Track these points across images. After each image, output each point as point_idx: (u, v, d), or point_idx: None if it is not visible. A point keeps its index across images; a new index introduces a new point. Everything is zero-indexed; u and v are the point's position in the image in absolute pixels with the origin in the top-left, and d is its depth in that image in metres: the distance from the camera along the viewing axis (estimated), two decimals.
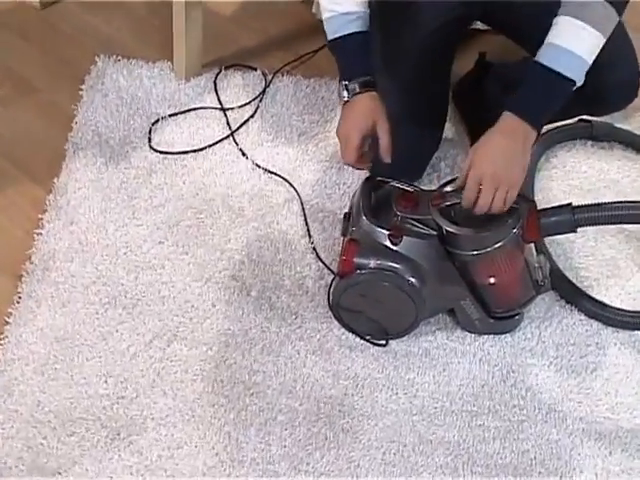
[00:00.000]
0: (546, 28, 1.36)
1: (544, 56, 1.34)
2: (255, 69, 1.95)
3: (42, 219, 1.66)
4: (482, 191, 1.35)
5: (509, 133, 1.35)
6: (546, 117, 1.40)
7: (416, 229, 1.46)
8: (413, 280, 1.46)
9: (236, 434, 1.42)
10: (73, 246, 1.62)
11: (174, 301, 1.57)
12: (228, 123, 1.85)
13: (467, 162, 1.38)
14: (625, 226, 1.69)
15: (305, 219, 1.70)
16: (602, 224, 1.46)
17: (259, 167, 1.78)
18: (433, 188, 1.70)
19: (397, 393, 1.50)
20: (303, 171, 1.78)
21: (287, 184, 1.75)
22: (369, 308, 1.50)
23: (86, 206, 1.68)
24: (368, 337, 1.55)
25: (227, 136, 1.82)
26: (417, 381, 1.51)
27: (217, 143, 1.81)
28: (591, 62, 1.34)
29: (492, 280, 1.47)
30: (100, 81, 1.89)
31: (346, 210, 1.58)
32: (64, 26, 2.02)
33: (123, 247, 1.63)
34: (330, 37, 1.49)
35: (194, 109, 1.87)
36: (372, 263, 1.46)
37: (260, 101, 1.89)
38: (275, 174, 1.77)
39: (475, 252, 1.43)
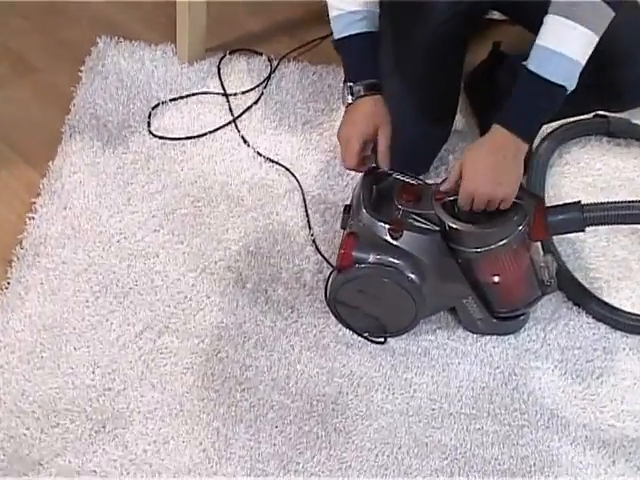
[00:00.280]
0: None
1: (532, 61, 1.29)
2: (260, 54, 1.93)
3: (35, 203, 1.66)
4: (475, 203, 1.35)
5: (499, 148, 1.32)
6: (538, 127, 1.37)
7: (418, 224, 1.44)
8: (413, 276, 1.43)
9: (225, 430, 1.41)
10: (65, 232, 1.61)
11: (167, 291, 1.56)
12: (230, 109, 1.83)
13: (456, 168, 1.37)
14: (639, 226, 1.66)
15: (306, 210, 1.68)
16: (613, 224, 1.42)
17: (260, 155, 1.76)
18: (439, 182, 1.68)
19: (394, 393, 1.47)
20: (306, 161, 1.76)
21: (289, 174, 1.73)
22: (367, 304, 1.48)
23: (81, 191, 1.67)
24: (366, 334, 1.53)
25: (229, 122, 1.81)
26: (415, 381, 1.49)
27: (218, 130, 1.79)
28: (584, 62, 1.28)
29: (496, 279, 1.44)
30: (100, 63, 1.88)
31: (348, 202, 1.56)
32: (66, 6, 2.00)
33: (117, 234, 1.62)
34: (336, 36, 1.47)
35: (196, 94, 1.85)
36: (371, 258, 1.43)
37: (264, 87, 1.87)
38: (277, 163, 1.75)
39: (478, 249, 1.40)
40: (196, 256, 1.61)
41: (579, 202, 1.41)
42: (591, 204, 1.40)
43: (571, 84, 1.29)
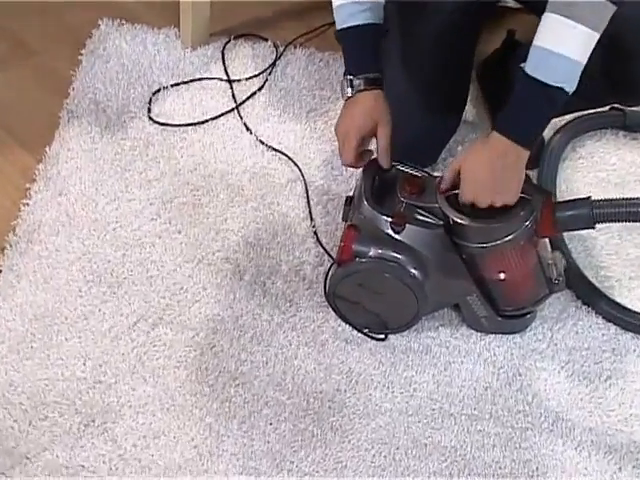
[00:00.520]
0: None
1: (530, 62, 1.25)
2: (266, 40, 1.90)
3: (30, 189, 1.64)
4: (476, 204, 1.33)
5: (499, 157, 1.28)
6: (539, 133, 1.34)
7: (421, 217, 1.41)
8: (415, 272, 1.41)
9: (217, 426, 1.39)
10: (60, 219, 1.60)
11: (162, 282, 1.54)
12: (234, 96, 1.81)
13: (453, 167, 1.34)
14: None
15: (308, 201, 1.66)
16: (624, 221, 1.39)
17: (263, 144, 1.73)
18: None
19: (393, 392, 1.45)
20: (309, 150, 1.74)
21: (291, 163, 1.71)
22: (367, 299, 1.46)
23: (77, 177, 1.66)
24: (366, 330, 1.51)
25: (231, 109, 1.78)
26: (415, 380, 1.47)
27: (220, 116, 1.77)
28: (585, 62, 1.23)
29: (501, 276, 1.42)
30: (102, 46, 1.86)
31: (350, 194, 1.54)
32: None
33: (113, 222, 1.60)
34: (338, 27, 1.44)
35: (198, 79, 1.83)
36: (372, 251, 1.41)
37: (269, 74, 1.85)
38: (279, 152, 1.72)
39: (484, 245, 1.37)
40: (193, 246, 1.59)
41: (589, 198, 1.37)
42: (601, 200, 1.37)
43: (571, 86, 1.24)
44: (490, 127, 1.77)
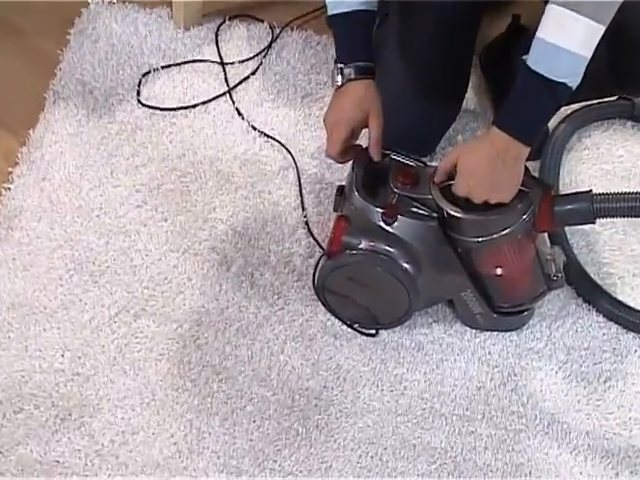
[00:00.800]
0: None
1: (532, 55, 1.21)
2: (262, 21, 1.87)
3: (12, 173, 1.62)
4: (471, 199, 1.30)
5: (498, 153, 1.24)
6: (541, 128, 1.30)
7: (414, 209, 1.38)
8: (407, 266, 1.38)
9: (198, 423, 1.37)
10: (42, 205, 1.58)
11: (146, 272, 1.52)
12: (226, 79, 1.78)
13: (449, 159, 1.31)
14: None
15: (300, 190, 1.63)
16: (626, 216, 1.35)
17: (255, 129, 1.71)
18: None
19: (382, 390, 1.43)
20: (303, 137, 1.71)
21: (284, 150, 1.68)
22: (357, 293, 1.43)
23: (61, 162, 1.63)
24: (356, 325, 1.48)
25: (223, 93, 1.76)
26: (406, 378, 1.44)
27: (212, 100, 1.74)
28: (589, 56, 1.19)
29: (498, 271, 1.39)
30: (91, 25, 1.83)
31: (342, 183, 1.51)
32: None
33: (97, 209, 1.58)
34: (329, 12, 1.41)
35: (190, 61, 1.80)
36: (363, 244, 1.38)
37: (264, 57, 1.82)
38: (272, 138, 1.70)
39: (479, 238, 1.34)
40: (179, 235, 1.56)
41: (589, 191, 1.34)
42: (603, 194, 1.33)
43: (575, 81, 1.20)
44: (492, 117, 1.76)
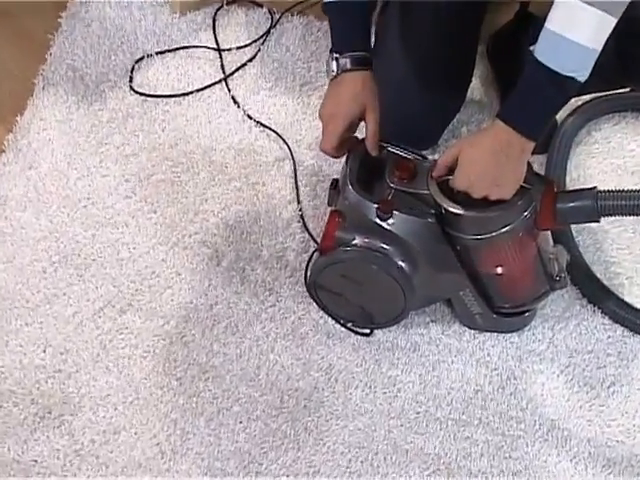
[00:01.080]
0: None
1: (539, 47, 1.17)
2: (261, 6, 1.84)
3: None
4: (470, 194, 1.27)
5: (502, 148, 1.21)
6: (547, 123, 1.25)
7: (410, 205, 1.35)
8: (403, 264, 1.35)
9: (183, 423, 1.36)
10: (28, 194, 1.57)
11: (133, 265, 1.50)
12: (222, 66, 1.76)
13: (450, 153, 1.28)
14: None
15: (296, 182, 1.61)
16: (632, 215, 1.32)
17: (251, 118, 1.68)
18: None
19: (375, 392, 1.41)
20: (301, 127, 1.68)
21: (280, 140, 1.66)
22: (351, 291, 1.41)
23: (49, 150, 1.62)
24: (350, 324, 1.46)
25: (219, 81, 1.73)
26: (400, 379, 1.42)
27: (207, 88, 1.72)
28: (600, 49, 1.16)
29: (498, 270, 1.36)
30: (84, 9, 1.81)
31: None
32: None
33: (84, 199, 1.57)
34: None
35: (186, 47, 1.78)
36: (357, 240, 1.35)
37: (262, 43, 1.79)
38: (268, 128, 1.67)
39: (478, 236, 1.31)
40: (169, 227, 1.54)
41: (594, 188, 1.31)
42: (608, 191, 1.30)
43: (583, 74, 1.17)
44: (499, 107, 1.72)
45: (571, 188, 1.55)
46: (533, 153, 1.67)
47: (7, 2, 1.81)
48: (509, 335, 1.47)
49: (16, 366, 1.39)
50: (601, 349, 1.47)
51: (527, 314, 1.46)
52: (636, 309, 1.50)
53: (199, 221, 1.55)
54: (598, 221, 1.32)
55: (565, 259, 1.40)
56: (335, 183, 1.43)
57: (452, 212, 1.30)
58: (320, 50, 1.79)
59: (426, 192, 1.33)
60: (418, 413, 1.39)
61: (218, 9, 1.83)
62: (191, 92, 1.71)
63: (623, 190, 1.30)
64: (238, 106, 1.70)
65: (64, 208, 1.55)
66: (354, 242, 1.36)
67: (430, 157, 1.60)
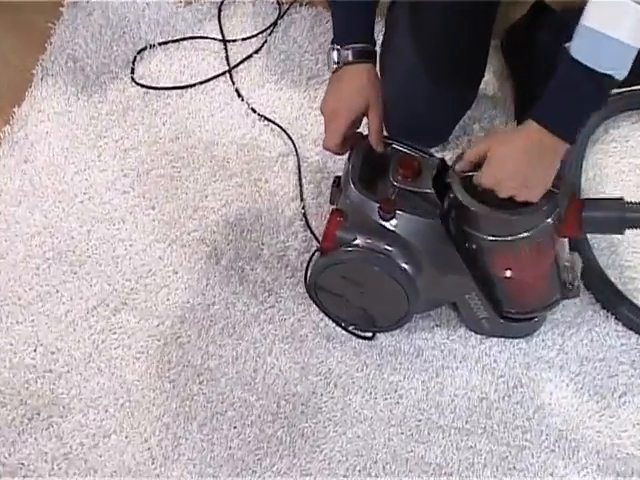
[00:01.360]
0: None
1: (575, 44, 1.14)
2: None
3: None
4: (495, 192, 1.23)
5: (536, 148, 1.17)
6: (582, 124, 1.21)
7: (415, 204, 1.32)
8: (406, 266, 1.32)
9: (175, 427, 1.35)
10: (23, 188, 1.56)
11: (129, 263, 1.49)
12: (227, 58, 1.74)
13: (478, 148, 1.23)
14: None
15: (299, 179, 1.59)
16: None
17: (255, 112, 1.67)
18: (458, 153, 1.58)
19: (376, 398, 1.39)
20: (306, 122, 1.66)
21: (285, 135, 1.64)
22: (352, 293, 1.38)
23: (46, 143, 1.61)
24: (352, 327, 1.44)
25: (223, 73, 1.72)
26: (402, 386, 1.40)
27: (210, 80, 1.71)
28: (639, 47, 1.12)
29: (509, 274, 1.32)
30: None
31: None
32: None
33: (80, 194, 1.56)
34: None
35: (190, 38, 1.76)
36: (358, 240, 1.33)
37: (269, 34, 1.77)
38: (272, 122, 1.66)
39: (498, 237, 1.27)
40: (167, 224, 1.53)
41: (621, 199, 1.27)
42: (636, 204, 1.26)
43: (622, 73, 1.13)
44: (513, 103, 1.70)
45: (594, 196, 1.51)
46: None
47: None
48: (517, 341, 1.45)
49: (5, 365, 1.38)
50: (613, 357, 1.44)
51: (536, 319, 1.43)
52: None
53: (198, 218, 1.54)
54: (622, 233, 1.29)
55: (580, 267, 1.37)
56: (337, 181, 1.41)
57: (474, 211, 1.26)
58: (329, 42, 1.73)
59: (430, 191, 1.30)
60: (420, 421, 1.37)
61: None
62: (194, 84, 1.70)
63: None
64: (242, 99, 1.68)
65: (59, 203, 1.54)
66: (356, 242, 1.33)
67: (439, 154, 1.59)
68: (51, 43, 1.73)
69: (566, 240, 1.38)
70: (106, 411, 1.35)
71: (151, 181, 1.57)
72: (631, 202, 1.26)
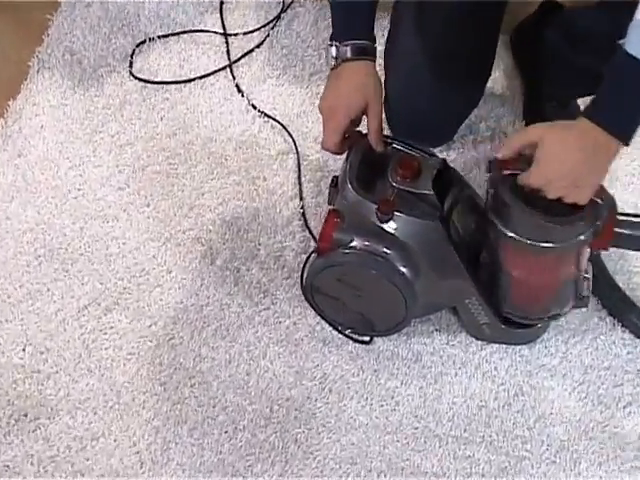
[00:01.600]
0: None
1: (630, 39, 1.12)
2: None
3: None
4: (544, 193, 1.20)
5: (590, 146, 1.15)
6: (638, 124, 1.18)
7: (414, 206, 1.31)
8: (404, 269, 1.31)
9: (165, 431, 1.34)
10: (16, 183, 1.56)
11: (122, 261, 1.49)
12: (228, 52, 1.74)
13: (522, 138, 1.21)
14: None
15: (299, 178, 1.58)
16: None
17: (255, 108, 1.66)
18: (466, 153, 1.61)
19: (371, 404, 1.38)
20: (308, 119, 1.66)
21: (285, 133, 1.63)
22: (349, 296, 1.37)
23: (40, 137, 1.61)
24: (348, 331, 1.43)
25: (223, 67, 1.72)
26: (399, 392, 1.39)
27: (210, 75, 1.71)
28: None
29: (522, 275, 1.30)
30: None
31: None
32: None
33: (74, 190, 1.56)
34: None
35: (190, 31, 1.76)
36: (356, 242, 1.32)
37: (272, 28, 1.77)
38: (273, 119, 1.65)
39: (526, 240, 1.24)
40: (162, 222, 1.53)
41: None
42: None
43: None
44: (522, 102, 1.68)
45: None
46: None
47: None
48: (519, 348, 1.43)
49: None
50: (619, 366, 1.43)
51: (539, 325, 1.42)
52: None
53: (194, 216, 1.53)
54: None
55: (591, 276, 1.35)
56: (335, 180, 1.40)
57: (514, 209, 1.22)
58: None
59: (430, 192, 1.29)
60: (416, 429, 1.36)
61: None
62: (193, 79, 1.69)
63: None
64: (242, 95, 1.68)
65: (52, 199, 1.54)
66: (353, 244, 1.32)
67: (444, 154, 1.58)
68: (48, 35, 1.73)
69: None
70: (95, 413, 1.34)
71: (147, 178, 1.57)
72: None
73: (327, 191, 1.54)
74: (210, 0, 1.80)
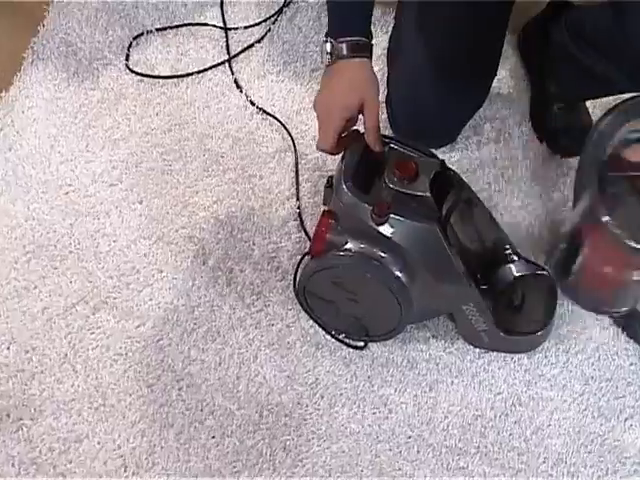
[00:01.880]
0: None
1: None
2: None
3: None
4: None
5: None
6: None
7: (410, 208, 1.30)
8: (400, 274, 1.31)
9: (150, 434, 1.33)
10: (6, 177, 1.56)
11: (112, 259, 1.48)
12: (227, 46, 1.73)
13: None
14: None
15: (296, 177, 1.57)
16: None
17: (253, 105, 1.66)
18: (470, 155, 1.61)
19: (364, 411, 1.37)
20: (307, 117, 1.65)
21: (283, 130, 1.63)
22: (342, 300, 1.37)
23: (32, 130, 1.61)
24: (342, 335, 1.42)
25: (222, 62, 1.71)
26: (393, 399, 1.38)
27: (208, 69, 1.70)
28: None
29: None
30: None
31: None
32: None
33: (65, 185, 1.55)
34: None
35: (189, 24, 1.75)
36: (350, 244, 1.32)
37: (273, 23, 1.76)
38: (271, 116, 1.64)
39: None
40: (154, 220, 1.52)
41: None
42: None
43: None
44: (530, 104, 1.68)
45: None
46: (564, 156, 1.61)
47: None
48: (518, 356, 1.43)
49: None
50: (621, 377, 1.42)
51: (539, 333, 1.41)
52: None
53: (187, 215, 1.53)
54: None
55: None
56: (331, 181, 1.39)
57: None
58: None
59: (427, 194, 1.29)
60: (409, 437, 1.35)
61: None
62: (191, 74, 1.69)
63: None
64: (241, 91, 1.67)
65: (43, 194, 1.53)
66: (347, 247, 1.32)
67: (447, 155, 1.58)
68: (44, 26, 1.73)
69: None
70: (79, 415, 1.34)
71: (140, 174, 1.56)
72: None
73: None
74: None
